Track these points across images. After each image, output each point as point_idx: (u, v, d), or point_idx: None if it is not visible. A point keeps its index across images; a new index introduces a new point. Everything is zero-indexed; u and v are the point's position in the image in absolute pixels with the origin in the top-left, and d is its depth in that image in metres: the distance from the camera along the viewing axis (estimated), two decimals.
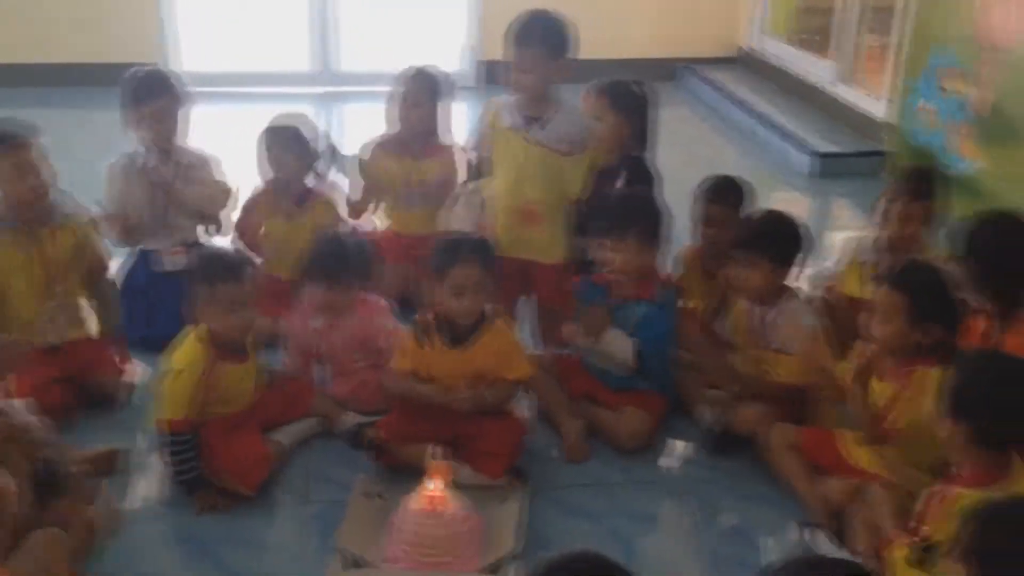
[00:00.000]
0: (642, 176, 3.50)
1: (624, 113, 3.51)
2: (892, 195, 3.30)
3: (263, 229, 3.68)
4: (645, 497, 2.82)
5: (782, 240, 2.94)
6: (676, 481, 2.88)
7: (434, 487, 2.50)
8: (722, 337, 3.17)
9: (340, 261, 3.04)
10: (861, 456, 2.64)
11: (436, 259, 2.79)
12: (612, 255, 2.99)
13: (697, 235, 3.41)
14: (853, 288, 3.37)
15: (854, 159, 5.52)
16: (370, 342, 3.13)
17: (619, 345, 2.97)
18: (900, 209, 3.26)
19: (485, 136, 3.22)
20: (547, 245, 3.20)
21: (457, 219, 3.27)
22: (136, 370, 3.30)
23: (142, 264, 3.61)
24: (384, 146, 3.92)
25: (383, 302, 3.23)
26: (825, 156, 5.53)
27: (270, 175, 3.64)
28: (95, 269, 3.31)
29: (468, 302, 2.74)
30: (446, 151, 3.88)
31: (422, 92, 3.79)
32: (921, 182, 3.32)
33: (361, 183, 3.92)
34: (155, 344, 3.35)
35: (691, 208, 3.41)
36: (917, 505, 2.17)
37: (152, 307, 3.53)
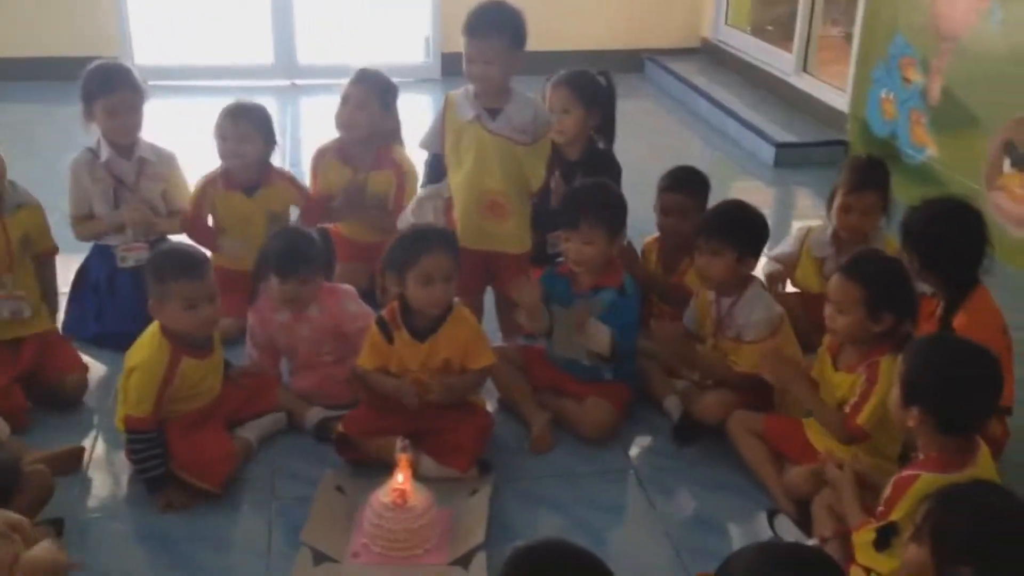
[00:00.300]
0: (608, 168, 3.52)
1: (590, 104, 3.51)
2: (840, 186, 3.32)
3: (218, 214, 3.64)
4: (612, 487, 2.84)
5: (746, 229, 2.96)
6: (642, 471, 2.90)
7: (402, 480, 2.50)
8: (686, 327, 3.18)
9: (299, 254, 3.02)
10: (826, 444, 2.67)
11: (400, 251, 2.77)
12: (567, 245, 3.00)
13: (658, 225, 3.42)
14: (810, 282, 3.41)
15: (814, 149, 5.57)
16: (339, 330, 3.11)
17: (597, 336, 2.97)
18: (846, 200, 3.28)
19: (441, 133, 3.16)
20: (513, 235, 3.20)
21: (417, 218, 3.24)
22: (87, 367, 3.25)
23: (98, 259, 3.56)
24: (332, 154, 3.86)
25: (347, 287, 3.22)
26: (785, 146, 5.56)
27: (230, 157, 3.58)
28: (44, 254, 3.29)
29: (439, 292, 2.73)
30: (393, 161, 3.77)
31: (367, 94, 3.71)
32: (868, 172, 3.32)
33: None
34: (110, 341, 3.38)
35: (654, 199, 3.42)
36: (884, 491, 2.20)
37: (107, 304, 3.50)
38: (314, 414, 3.03)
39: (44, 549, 1.99)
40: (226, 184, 3.62)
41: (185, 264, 2.73)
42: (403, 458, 2.51)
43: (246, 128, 3.55)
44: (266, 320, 3.15)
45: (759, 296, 2.97)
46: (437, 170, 3.26)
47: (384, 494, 2.52)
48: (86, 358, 3.32)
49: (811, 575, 1.55)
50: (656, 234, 3.49)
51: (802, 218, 4.81)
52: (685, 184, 3.35)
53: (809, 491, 2.58)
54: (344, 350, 3.17)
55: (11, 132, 5.69)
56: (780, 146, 5.54)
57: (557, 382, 3.12)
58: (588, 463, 2.93)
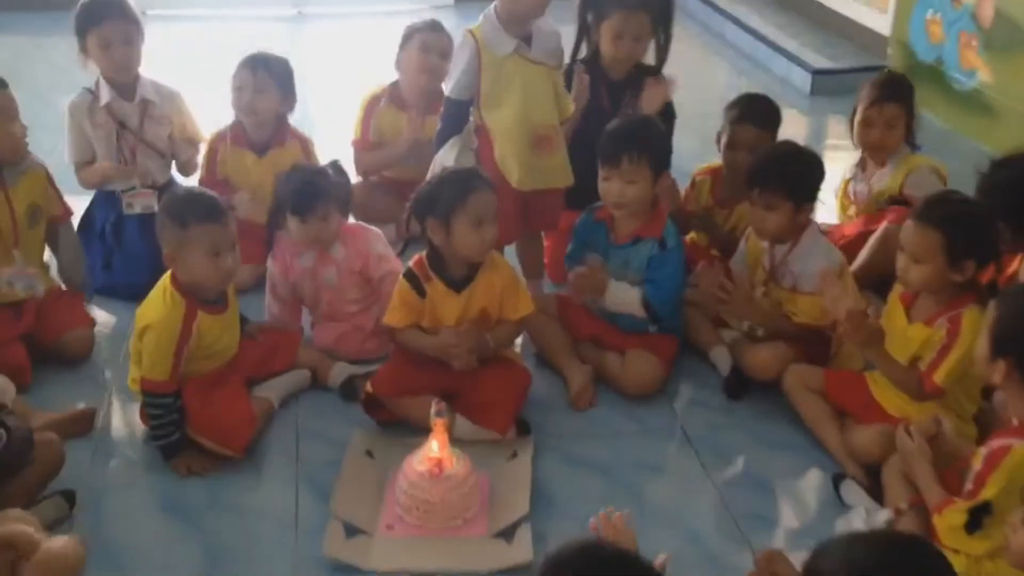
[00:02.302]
0: None
1: (660, 31, 3.23)
2: (861, 101, 3.19)
3: (226, 171, 3.43)
4: (659, 447, 2.65)
5: (802, 178, 2.71)
6: (692, 429, 2.71)
7: (438, 448, 2.31)
8: (737, 274, 2.96)
9: (316, 190, 2.81)
10: (895, 401, 2.47)
11: (444, 193, 2.52)
12: (606, 185, 2.77)
13: (724, 159, 3.17)
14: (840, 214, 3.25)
15: (853, 75, 5.23)
16: (365, 273, 2.92)
17: (624, 299, 2.76)
18: (867, 114, 3.15)
19: (475, 75, 2.86)
20: (562, 168, 2.96)
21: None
22: (94, 321, 3.06)
23: (102, 206, 3.35)
24: (386, 99, 3.67)
25: (371, 227, 3.01)
26: (821, 73, 5.28)
27: (245, 110, 3.35)
28: (58, 219, 3.07)
29: (490, 234, 2.53)
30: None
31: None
32: (889, 85, 3.18)
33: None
34: (119, 292, 3.21)
35: (720, 127, 3.18)
36: (973, 463, 2.00)
37: (114, 253, 3.29)
38: (339, 371, 2.84)
39: (54, 554, 1.82)
40: (235, 140, 3.40)
41: (210, 208, 2.51)
42: (439, 423, 2.32)
43: (264, 80, 3.30)
44: (288, 267, 2.95)
45: (817, 243, 2.75)
46: (459, 119, 2.97)
47: (419, 462, 2.33)
48: (94, 310, 3.13)
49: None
50: (709, 164, 3.24)
51: (840, 150, 4.54)
52: (759, 117, 3.10)
53: (879, 455, 2.39)
54: (370, 298, 2.97)
55: (2, 66, 5.44)
56: (816, 72, 5.26)
57: (597, 334, 2.91)
58: (632, 421, 2.74)
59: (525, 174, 2.88)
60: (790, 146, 2.81)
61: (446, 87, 2.99)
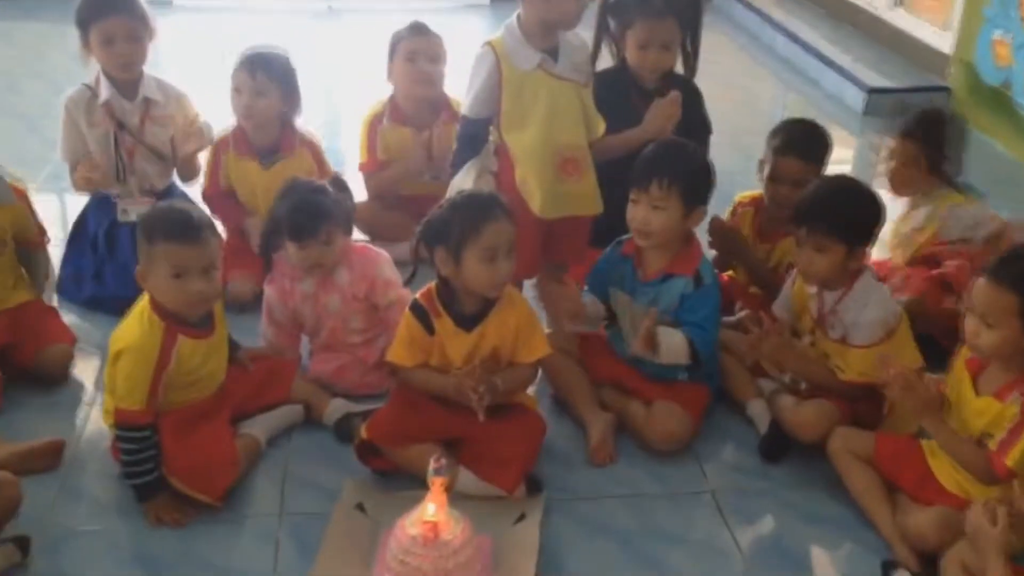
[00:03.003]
0: (692, 97, 2.98)
1: (689, 38, 2.95)
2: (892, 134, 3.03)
3: (230, 183, 3.19)
4: (681, 513, 2.37)
5: (858, 219, 2.42)
6: (722, 494, 2.42)
7: (434, 512, 2.05)
8: (778, 318, 2.67)
9: (316, 211, 2.56)
10: (954, 477, 2.18)
11: (455, 221, 2.26)
12: (633, 210, 2.49)
13: (766, 191, 2.89)
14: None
15: (910, 95, 4.93)
16: (371, 300, 2.68)
17: (673, 349, 2.46)
18: (892, 146, 3.00)
19: (496, 91, 2.58)
20: (590, 194, 2.68)
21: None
22: (74, 337, 2.83)
23: (97, 211, 3.12)
24: (386, 117, 3.42)
25: (377, 249, 2.76)
26: (877, 92, 4.95)
27: (244, 114, 3.11)
28: (33, 245, 2.86)
29: (503, 269, 2.26)
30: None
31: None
32: (903, 122, 3.01)
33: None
34: (108, 306, 2.97)
35: (762, 157, 2.89)
36: None
37: (105, 263, 3.06)
38: (335, 408, 2.59)
39: None
40: (238, 149, 3.15)
41: (178, 225, 2.25)
42: (437, 483, 2.05)
43: (263, 81, 3.05)
44: (286, 292, 2.70)
45: (872, 290, 2.45)
46: (477, 139, 2.69)
47: (412, 524, 2.07)
48: (78, 324, 2.92)
49: None
50: (752, 192, 2.96)
51: None
52: (805, 148, 2.80)
53: (937, 542, 2.10)
54: (376, 328, 2.72)
55: (23, 51, 5.26)
56: (871, 91, 4.93)
57: (621, 378, 2.64)
58: (655, 481, 2.46)
59: (549, 200, 2.60)
60: (844, 181, 2.51)
61: (463, 105, 2.72)
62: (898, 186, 3.03)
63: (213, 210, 3.09)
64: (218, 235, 2.36)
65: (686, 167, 2.47)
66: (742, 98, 5.05)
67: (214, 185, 3.19)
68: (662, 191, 2.43)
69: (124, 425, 2.26)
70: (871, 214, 2.43)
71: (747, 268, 2.91)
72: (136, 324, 2.30)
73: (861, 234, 2.40)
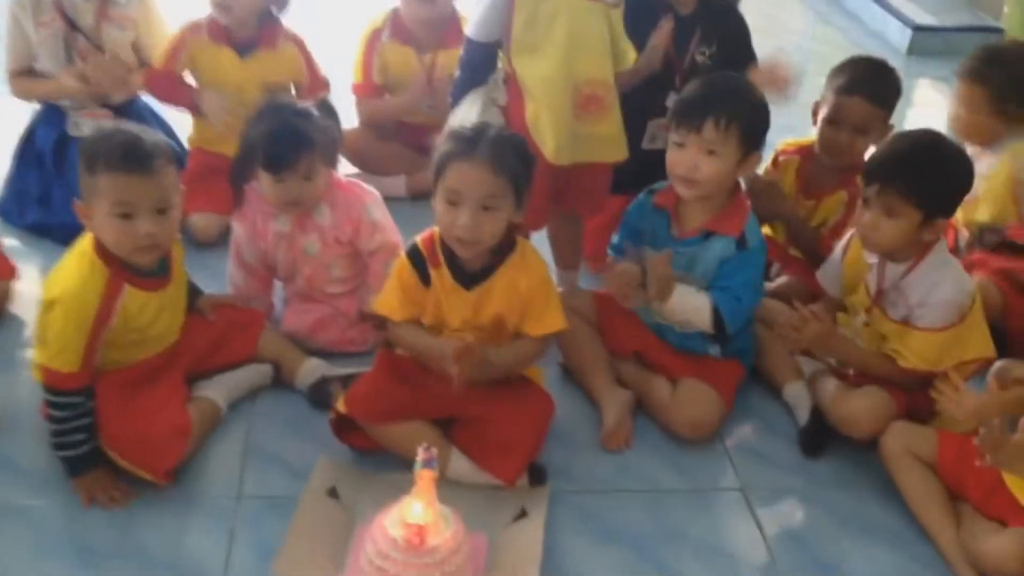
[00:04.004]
0: (737, 25, 2.59)
1: None
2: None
3: (199, 74, 2.76)
4: (707, 514, 2.03)
5: (942, 183, 2.03)
6: (755, 492, 2.08)
7: (420, 513, 1.71)
8: (825, 290, 2.31)
9: (296, 139, 2.17)
10: None
11: (439, 154, 1.92)
12: (677, 155, 2.10)
13: (821, 136, 2.48)
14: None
15: (959, 35, 4.52)
16: (355, 245, 2.32)
17: (689, 308, 2.12)
18: (958, 90, 2.63)
19: (507, 11, 2.18)
20: (612, 138, 2.29)
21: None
22: (13, 270, 2.46)
23: (46, 124, 2.73)
24: (387, 33, 3.00)
25: (366, 187, 2.38)
26: (923, 30, 4.54)
27: (220, 5, 2.66)
28: None
29: (463, 217, 1.87)
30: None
31: None
32: (983, 63, 2.60)
33: None
34: (50, 234, 2.61)
35: (819, 98, 2.49)
36: None
37: (54, 183, 2.67)
38: (310, 369, 2.23)
39: None
40: (212, 34, 2.70)
41: (124, 151, 1.86)
42: (426, 477, 1.71)
43: None
44: (258, 230, 2.32)
45: (946, 266, 2.09)
46: (483, 66, 2.30)
47: (394, 524, 1.73)
48: (20, 253, 2.57)
49: None
50: (799, 140, 2.57)
51: (940, 123, 3.83)
52: (874, 89, 2.40)
53: (1016, 571, 1.76)
54: (358, 278, 2.36)
55: None
56: (917, 29, 4.50)
57: (644, 349, 2.28)
58: (677, 474, 2.12)
59: (564, 144, 2.21)
60: (931, 137, 2.11)
61: (467, 27, 2.31)
62: (964, 135, 2.64)
63: (157, 94, 2.73)
64: (175, 165, 1.97)
65: (746, 103, 2.09)
66: (773, 29, 4.62)
67: (166, 68, 2.72)
68: (719, 132, 2.04)
69: (53, 388, 1.90)
70: (959, 180, 2.05)
71: (788, 227, 2.53)
72: (75, 268, 1.93)
73: (943, 202, 2.02)
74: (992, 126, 2.58)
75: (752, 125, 2.08)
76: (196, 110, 2.74)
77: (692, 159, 2.08)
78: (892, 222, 2.03)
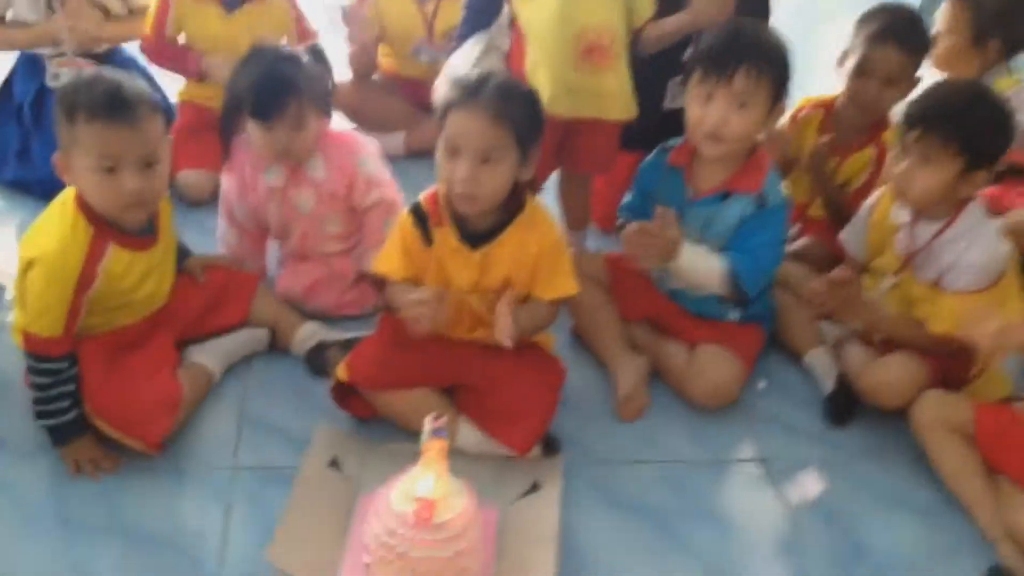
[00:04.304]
0: None
1: None
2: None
3: (187, 34, 2.62)
4: (727, 486, 1.93)
5: (989, 128, 1.90)
6: (777, 464, 1.98)
7: (430, 488, 1.59)
8: (848, 253, 2.20)
9: (285, 85, 2.03)
10: None
11: (441, 103, 1.79)
12: (701, 110, 1.98)
13: (848, 88, 2.34)
14: None
15: None
16: (351, 199, 2.19)
17: (700, 269, 2.00)
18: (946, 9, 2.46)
19: None
20: (617, 93, 2.15)
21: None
22: None
23: (24, 74, 2.58)
24: None
25: (362, 138, 2.25)
26: None
27: None
28: None
29: (462, 171, 1.73)
30: None
31: None
32: None
33: None
34: (29, 190, 2.49)
35: (846, 48, 2.34)
36: None
37: (33, 137, 2.53)
38: (307, 334, 2.11)
39: None
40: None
41: (107, 98, 1.72)
42: (435, 448, 1.59)
43: None
44: (248, 184, 2.19)
45: (982, 225, 1.97)
46: (486, 9, 2.17)
47: (400, 499, 1.61)
48: None
49: None
50: (821, 95, 2.43)
51: None
52: (906, 38, 2.26)
53: None
54: (355, 236, 2.25)
55: None
56: None
57: (658, 314, 2.18)
58: (696, 443, 2.01)
59: (560, 93, 2.06)
60: (974, 86, 1.99)
61: None
62: (941, 61, 2.47)
63: (159, 63, 2.59)
64: (162, 114, 1.83)
65: (776, 51, 1.95)
66: None
67: (159, 35, 2.59)
68: (751, 83, 1.91)
69: (34, 354, 1.78)
70: (1003, 130, 1.92)
71: (812, 184, 2.41)
72: (55, 225, 1.79)
73: (985, 152, 1.90)
74: (968, 58, 2.42)
75: (782, 74, 1.95)
76: (203, 77, 2.61)
77: (721, 113, 1.95)
78: (930, 171, 1.91)
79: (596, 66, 2.08)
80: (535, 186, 2.03)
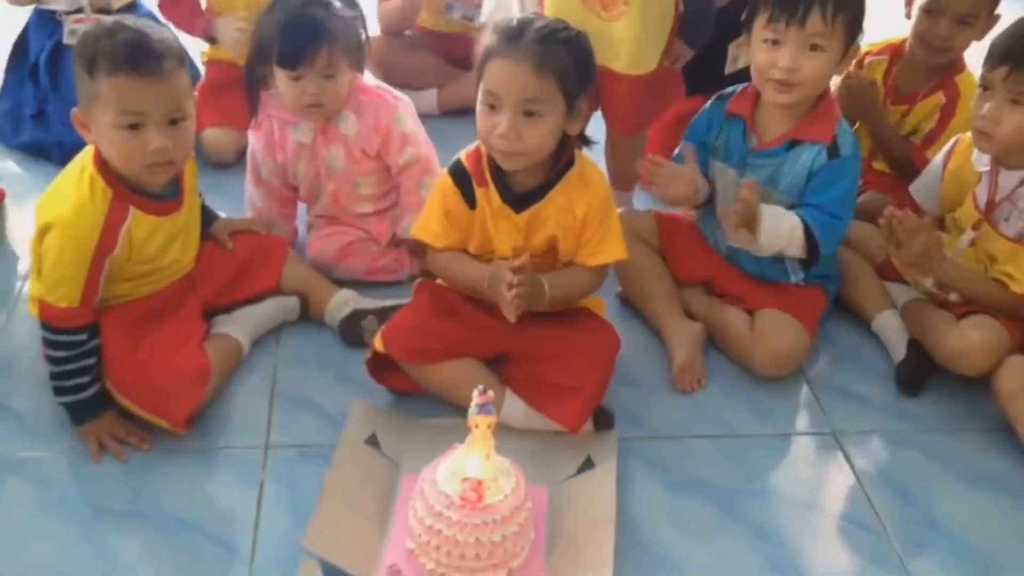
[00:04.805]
0: None
1: None
2: None
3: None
4: (798, 463, 1.79)
5: None
6: (848, 440, 1.83)
7: (477, 466, 1.47)
8: (920, 207, 2.05)
9: (316, 28, 1.89)
10: None
11: (481, 53, 1.65)
12: (774, 52, 1.81)
13: (916, 29, 2.17)
14: None
15: None
16: (386, 155, 2.06)
17: (780, 231, 1.84)
18: None
19: None
20: (627, 42, 2.00)
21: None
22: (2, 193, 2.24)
23: (37, 32, 2.47)
24: None
25: (397, 93, 2.10)
26: None
27: None
28: None
29: (503, 126, 1.60)
30: None
31: None
32: None
33: None
34: (46, 152, 2.40)
35: None
36: None
37: (47, 96, 2.42)
38: (341, 302, 1.99)
39: None
40: None
41: (132, 48, 1.59)
42: (483, 424, 1.47)
43: None
44: (276, 142, 2.07)
45: None
46: None
47: (447, 479, 1.49)
48: (14, 174, 2.34)
49: None
50: (888, 39, 2.26)
51: None
52: None
53: None
54: (389, 197, 2.12)
55: None
56: None
57: (715, 277, 2.04)
58: (761, 417, 1.87)
59: None
60: None
61: None
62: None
63: (171, 18, 2.45)
64: (189, 68, 1.70)
65: None
66: None
67: None
68: (826, 24, 1.75)
69: (51, 325, 1.67)
70: None
71: (877, 135, 2.25)
72: (73, 188, 1.68)
73: None
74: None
75: (858, 13, 1.79)
76: (212, 40, 2.49)
77: (793, 58, 1.78)
78: (1019, 113, 1.75)
79: (609, 11, 1.94)
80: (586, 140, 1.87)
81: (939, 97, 2.17)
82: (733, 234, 1.87)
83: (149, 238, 1.72)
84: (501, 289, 1.63)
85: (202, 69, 2.60)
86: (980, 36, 2.09)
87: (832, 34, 1.76)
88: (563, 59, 1.60)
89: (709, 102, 2.00)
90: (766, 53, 1.80)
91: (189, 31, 2.51)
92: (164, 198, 1.74)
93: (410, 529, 1.53)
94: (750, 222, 1.79)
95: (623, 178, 2.30)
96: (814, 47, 1.77)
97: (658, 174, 1.88)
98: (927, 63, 2.16)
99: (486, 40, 1.64)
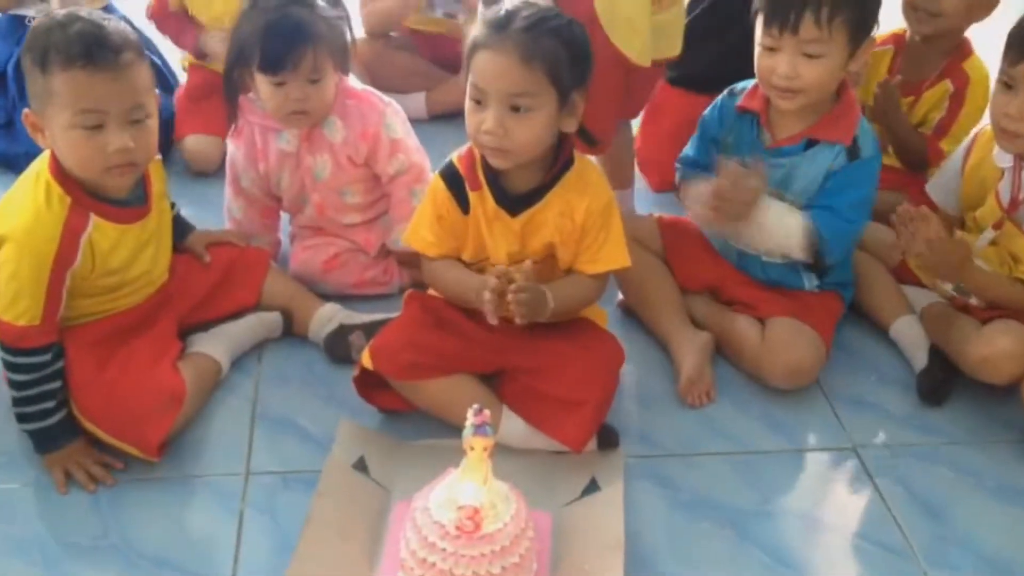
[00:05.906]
0: None
1: None
2: None
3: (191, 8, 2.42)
4: (817, 481, 1.69)
5: None
6: (868, 455, 1.72)
7: (473, 492, 1.35)
8: (938, 205, 1.94)
9: (299, 30, 1.78)
10: None
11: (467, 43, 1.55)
12: (771, 59, 1.71)
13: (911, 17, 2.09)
14: None
15: None
16: (374, 163, 1.95)
17: (780, 230, 1.74)
18: None
19: None
20: (674, 26, 1.92)
21: None
22: None
23: (5, 38, 2.38)
24: None
25: (385, 98, 1.99)
26: None
27: None
28: None
29: (490, 121, 1.50)
30: None
31: None
32: None
33: None
34: (15, 165, 2.22)
35: None
36: None
37: (15, 106, 2.31)
38: (326, 317, 1.88)
39: None
40: None
41: (88, 40, 1.48)
42: (478, 446, 1.35)
43: None
44: (257, 150, 1.96)
45: None
46: None
47: (441, 506, 1.38)
48: None
49: None
50: (892, 29, 2.16)
51: None
52: None
53: None
54: (378, 206, 2.01)
55: None
56: None
57: (722, 284, 1.93)
58: (776, 432, 1.76)
59: (648, 38, 1.85)
60: None
61: None
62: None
63: (163, 31, 2.41)
64: (148, 59, 1.59)
65: None
66: None
67: (162, 3, 2.40)
68: (821, 30, 1.66)
69: (10, 347, 1.55)
70: None
71: (894, 132, 2.14)
72: (28, 196, 1.56)
73: None
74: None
75: (863, 12, 1.69)
76: (201, 55, 2.41)
77: (791, 65, 1.69)
78: None
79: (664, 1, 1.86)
80: (598, 145, 1.75)
81: (946, 85, 2.08)
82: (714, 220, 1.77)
83: (114, 248, 1.60)
84: (483, 293, 1.52)
85: (183, 76, 2.52)
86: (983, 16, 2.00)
87: (830, 38, 1.67)
88: (553, 49, 1.49)
89: (720, 97, 1.90)
90: (766, 59, 1.72)
91: (180, 45, 2.46)
92: (129, 204, 1.63)
93: (402, 562, 1.41)
94: (744, 212, 1.70)
95: (621, 175, 2.19)
96: (812, 55, 1.68)
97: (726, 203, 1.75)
98: (929, 48, 2.06)
99: (474, 32, 1.54)
